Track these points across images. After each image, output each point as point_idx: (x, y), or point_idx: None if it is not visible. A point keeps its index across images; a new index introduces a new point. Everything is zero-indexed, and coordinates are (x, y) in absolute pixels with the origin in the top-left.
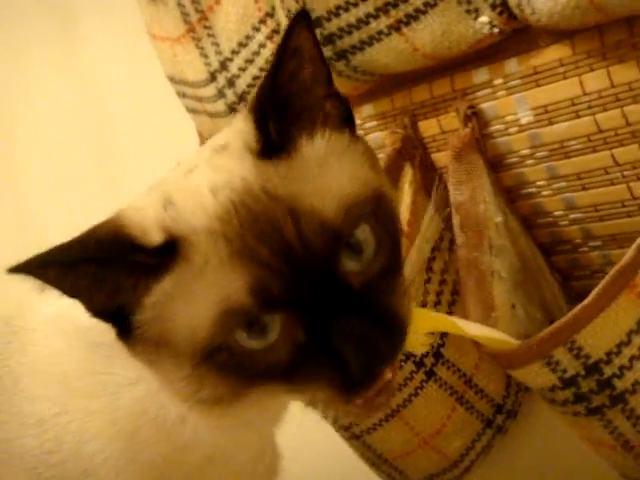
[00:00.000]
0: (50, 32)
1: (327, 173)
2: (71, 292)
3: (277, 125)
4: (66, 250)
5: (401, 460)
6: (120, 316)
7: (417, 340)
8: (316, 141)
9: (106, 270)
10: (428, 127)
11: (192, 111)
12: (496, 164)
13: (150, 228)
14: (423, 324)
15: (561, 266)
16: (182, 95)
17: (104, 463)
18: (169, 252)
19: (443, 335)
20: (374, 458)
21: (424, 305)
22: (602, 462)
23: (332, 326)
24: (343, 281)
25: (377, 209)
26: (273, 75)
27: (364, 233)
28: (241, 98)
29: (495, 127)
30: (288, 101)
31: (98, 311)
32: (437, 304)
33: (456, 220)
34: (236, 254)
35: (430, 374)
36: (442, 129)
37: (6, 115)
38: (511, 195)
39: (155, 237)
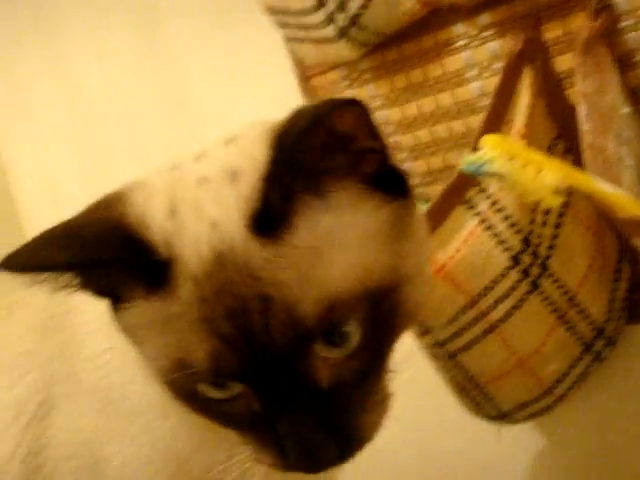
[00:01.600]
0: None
1: (322, 257)
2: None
3: (283, 191)
4: (69, 254)
5: (493, 384)
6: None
7: (551, 190)
8: (324, 213)
9: (106, 268)
10: (551, 29)
11: (293, 40)
12: (624, 62)
13: (156, 234)
14: (556, 175)
15: None
16: (283, 25)
17: (150, 405)
18: (163, 269)
19: (551, 247)
20: (465, 382)
21: None
22: None
23: (282, 417)
24: (307, 375)
25: (379, 303)
26: (308, 133)
27: (349, 328)
28: (353, 21)
29: (626, 22)
30: (311, 163)
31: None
32: None
33: (582, 110)
34: (204, 319)
35: (534, 286)
36: (566, 30)
37: None
38: (636, 96)
39: (159, 247)
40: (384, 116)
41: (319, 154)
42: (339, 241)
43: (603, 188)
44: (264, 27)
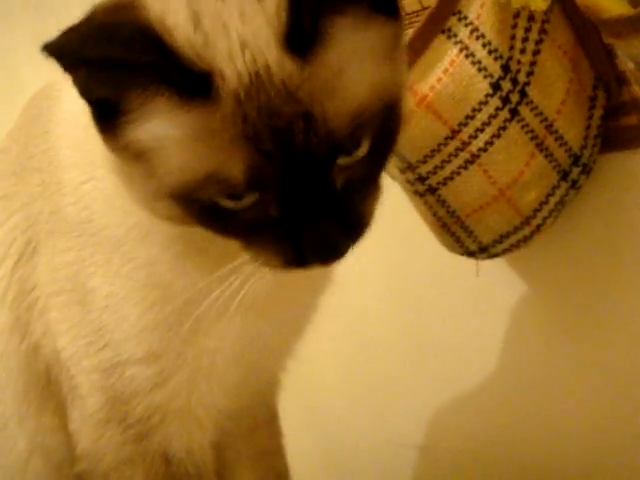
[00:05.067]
0: None
1: (348, 74)
2: (82, 83)
3: (312, 9)
4: (96, 47)
5: (474, 217)
6: (110, 107)
7: None
8: (346, 35)
9: (129, 70)
10: None
11: None
12: None
13: (184, 44)
14: None
15: None
16: None
17: (129, 232)
18: (201, 81)
19: (529, 73)
20: (446, 217)
21: None
22: None
23: (303, 217)
24: (328, 181)
25: (385, 121)
26: None
27: (363, 142)
28: None
29: None
30: None
31: (92, 97)
32: None
33: None
34: (246, 134)
35: (514, 113)
36: None
37: None
38: None
39: (193, 57)
40: None
41: None
42: (360, 59)
43: None
44: None
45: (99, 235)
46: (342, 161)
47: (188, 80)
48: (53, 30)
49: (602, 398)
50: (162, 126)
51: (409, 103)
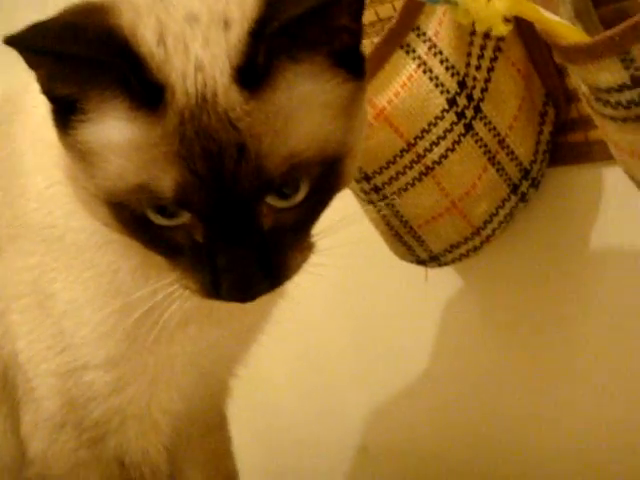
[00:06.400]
0: None
1: (293, 119)
2: (45, 79)
3: (270, 49)
4: (61, 42)
5: (426, 227)
6: (69, 104)
7: (501, 17)
8: (299, 81)
9: (92, 68)
10: None
11: None
12: None
13: (147, 54)
14: (505, 3)
15: None
16: None
17: (90, 238)
18: (154, 92)
19: (484, 90)
20: (398, 226)
21: None
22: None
23: (223, 249)
24: (254, 218)
25: (324, 174)
26: None
27: (300, 185)
28: None
29: None
30: (299, 23)
31: (53, 93)
32: None
33: None
34: (180, 154)
35: (468, 128)
36: None
37: None
38: None
39: (152, 69)
40: None
41: (306, 21)
42: (308, 108)
43: (548, 16)
44: None
45: (62, 240)
46: (273, 202)
47: (144, 89)
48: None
49: (544, 398)
50: (110, 130)
51: (356, 164)
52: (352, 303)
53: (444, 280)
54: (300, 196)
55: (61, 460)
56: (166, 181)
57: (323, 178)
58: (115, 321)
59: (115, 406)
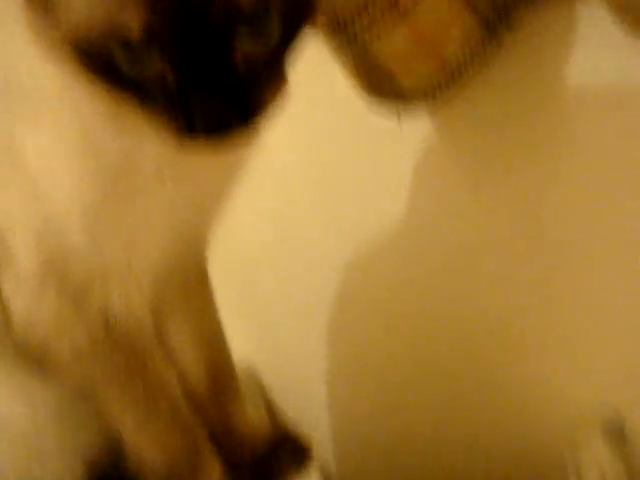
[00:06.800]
0: None
1: None
2: None
3: None
4: None
5: (400, 64)
6: None
7: None
8: None
9: None
10: None
11: None
12: None
13: None
14: None
15: None
16: None
17: (58, 96)
18: None
19: None
20: (368, 63)
21: None
22: None
23: (196, 89)
24: (228, 58)
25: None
26: None
27: (271, 22)
28: None
29: None
30: None
31: None
32: None
33: None
34: None
35: None
36: None
37: None
38: None
39: None
40: None
41: None
42: None
43: None
44: None
45: (30, 99)
46: (249, 44)
47: None
48: None
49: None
50: None
51: None
52: (325, 157)
53: (419, 129)
54: (274, 38)
55: (44, 320)
56: (133, 15)
57: (292, 7)
58: (90, 178)
59: (95, 266)
